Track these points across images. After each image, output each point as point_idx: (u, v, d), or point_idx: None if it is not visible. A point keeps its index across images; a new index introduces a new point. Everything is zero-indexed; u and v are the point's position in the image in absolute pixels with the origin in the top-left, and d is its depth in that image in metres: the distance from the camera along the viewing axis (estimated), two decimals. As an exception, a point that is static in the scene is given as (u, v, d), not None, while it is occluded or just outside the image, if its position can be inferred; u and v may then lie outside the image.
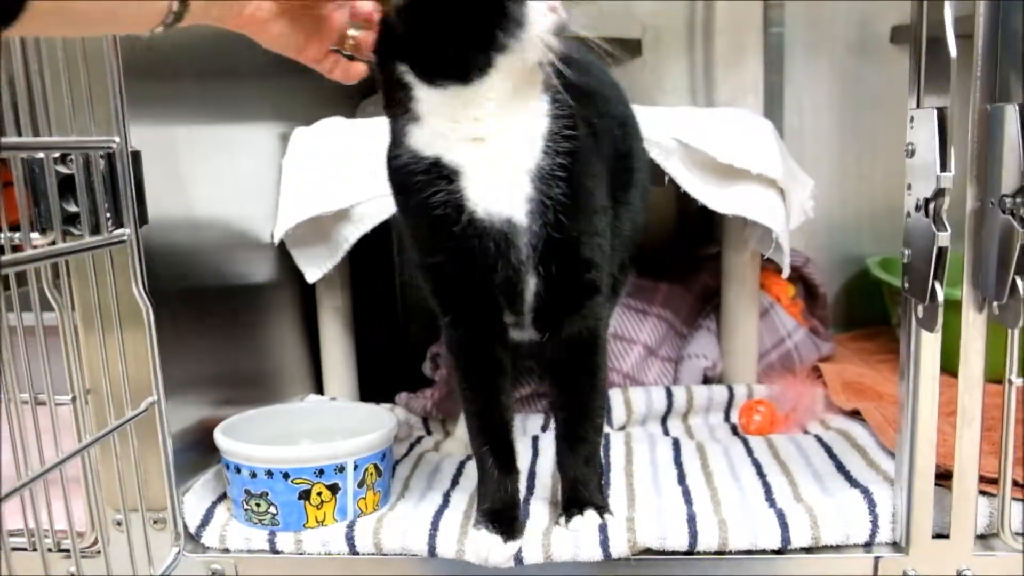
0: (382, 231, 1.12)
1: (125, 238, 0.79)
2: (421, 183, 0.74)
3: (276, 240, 1.13)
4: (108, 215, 0.79)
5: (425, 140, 0.74)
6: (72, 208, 0.77)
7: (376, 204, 1.08)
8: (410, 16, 0.69)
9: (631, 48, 1.56)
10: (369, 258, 1.22)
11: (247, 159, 1.11)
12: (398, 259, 1.69)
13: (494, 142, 0.72)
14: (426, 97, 0.72)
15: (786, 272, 1.10)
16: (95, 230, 0.78)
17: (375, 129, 1.14)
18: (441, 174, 0.73)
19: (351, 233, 1.11)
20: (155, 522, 0.86)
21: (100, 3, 0.55)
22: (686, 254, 1.41)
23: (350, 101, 1.53)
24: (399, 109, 0.75)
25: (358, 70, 0.74)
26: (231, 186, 1.07)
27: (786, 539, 0.77)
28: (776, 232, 1.05)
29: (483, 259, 0.74)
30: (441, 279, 0.78)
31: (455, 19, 0.68)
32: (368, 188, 1.09)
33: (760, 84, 1.51)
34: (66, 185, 0.76)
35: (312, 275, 1.15)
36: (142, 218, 0.82)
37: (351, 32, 0.73)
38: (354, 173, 1.10)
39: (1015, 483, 0.77)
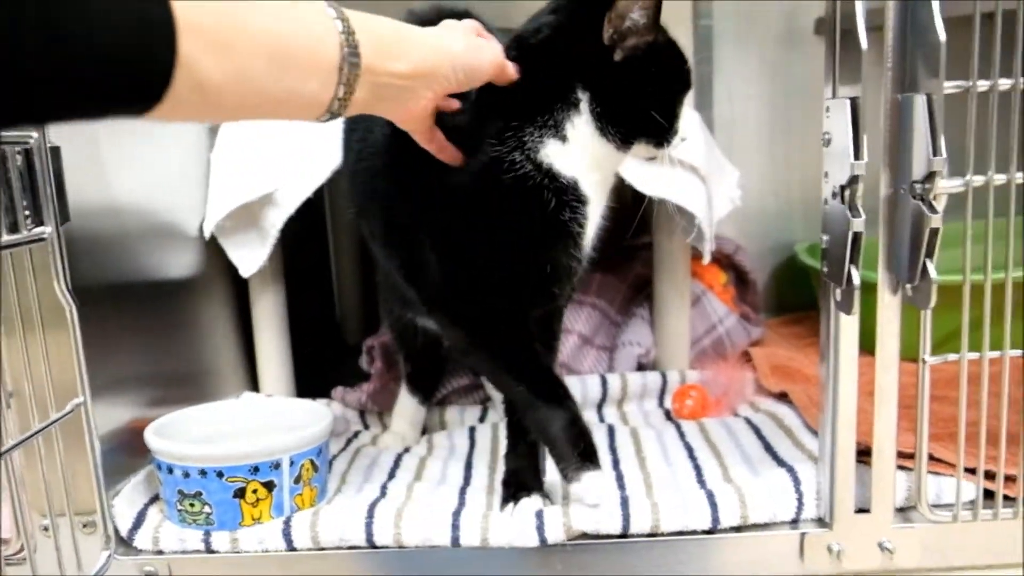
0: (319, 225, 1.12)
1: (45, 236, 0.78)
2: (550, 196, 0.77)
3: (207, 234, 1.11)
4: (27, 212, 0.77)
5: (567, 162, 0.77)
6: (-12, 206, 0.75)
7: (297, 184, 1.07)
8: (654, 68, 0.76)
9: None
10: (304, 253, 1.21)
11: (173, 150, 1.09)
12: (334, 254, 1.68)
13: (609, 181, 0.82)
14: (586, 130, 0.76)
15: (707, 259, 1.13)
16: (13, 228, 0.76)
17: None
18: (575, 196, 0.78)
19: (277, 218, 1.09)
20: (84, 526, 0.85)
21: (255, 100, 0.53)
22: (619, 244, 1.43)
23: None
24: (544, 118, 0.76)
25: (457, 157, 0.76)
26: (157, 179, 1.05)
27: (716, 519, 0.80)
28: (698, 218, 1.07)
29: (576, 257, 0.81)
30: (524, 265, 0.80)
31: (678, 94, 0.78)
32: (288, 169, 1.08)
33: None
34: (-20, 182, 0.74)
35: (246, 269, 1.13)
36: (63, 215, 0.80)
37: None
38: (276, 154, 1.09)
39: (931, 457, 0.80)
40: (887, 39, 0.71)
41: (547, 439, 0.82)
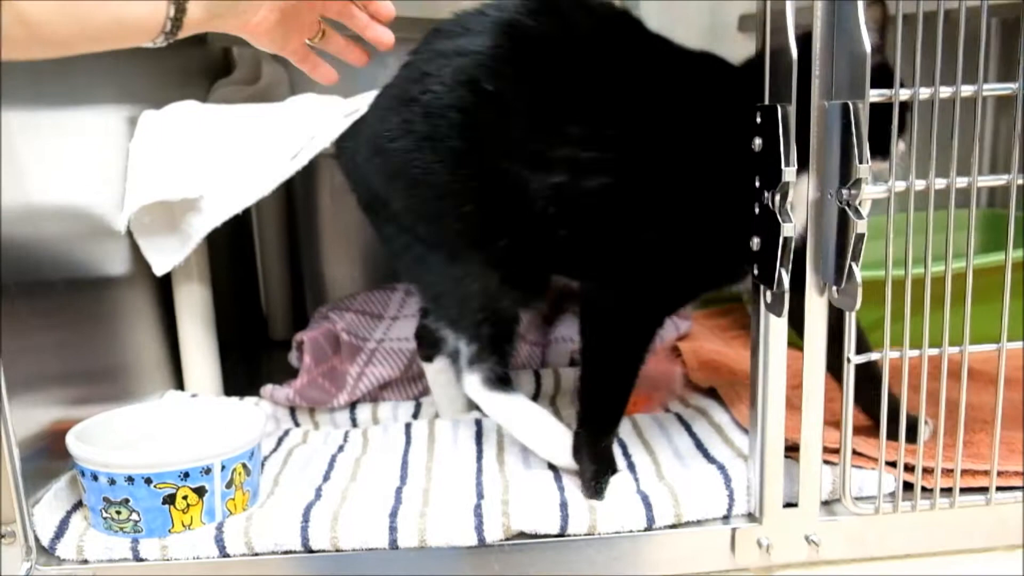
0: (243, 217, 1.09)
1: (-40, 237, 0.74)
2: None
3: (123, 227, 1.07)
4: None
5: None
6: None
7: (228, 196, 1.05)
8: None
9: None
10: (228, 248, 1.18)
11: (93, 144, 1.05)
12: (259, 247, 1.65)
13: None
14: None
15: None
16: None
17: (228, 114, 1.11)
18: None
19: (201, 225, 1.06)
20: (3, 536, 0.82)
21: (80, 27, 0.53)
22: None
23: (202, 83, 1.47)
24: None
25: (334, 76, 0.77)
26: (76, 174, 1.01)
27: (651, 519, 0.81)
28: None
29: None
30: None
31: None
32: (219, 178, 1.05)
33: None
34: None
35: (160, 267, 1.10)
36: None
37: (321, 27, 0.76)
38: (205, 161, 1.06)
39: (854, 452, 0.83)
40: (815, 47, 0.73)
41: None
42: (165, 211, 1.07)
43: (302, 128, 1.07)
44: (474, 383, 0.95)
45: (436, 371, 1.11)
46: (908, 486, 0.83)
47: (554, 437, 0.92)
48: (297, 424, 1.18)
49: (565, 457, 0.90)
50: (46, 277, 0.94)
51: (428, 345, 1.10)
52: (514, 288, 0.91)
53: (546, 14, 0.84)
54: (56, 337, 0.95)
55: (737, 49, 1.52)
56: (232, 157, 1.06)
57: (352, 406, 1.18)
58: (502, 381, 0.95)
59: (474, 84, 0.83)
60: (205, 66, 1.54)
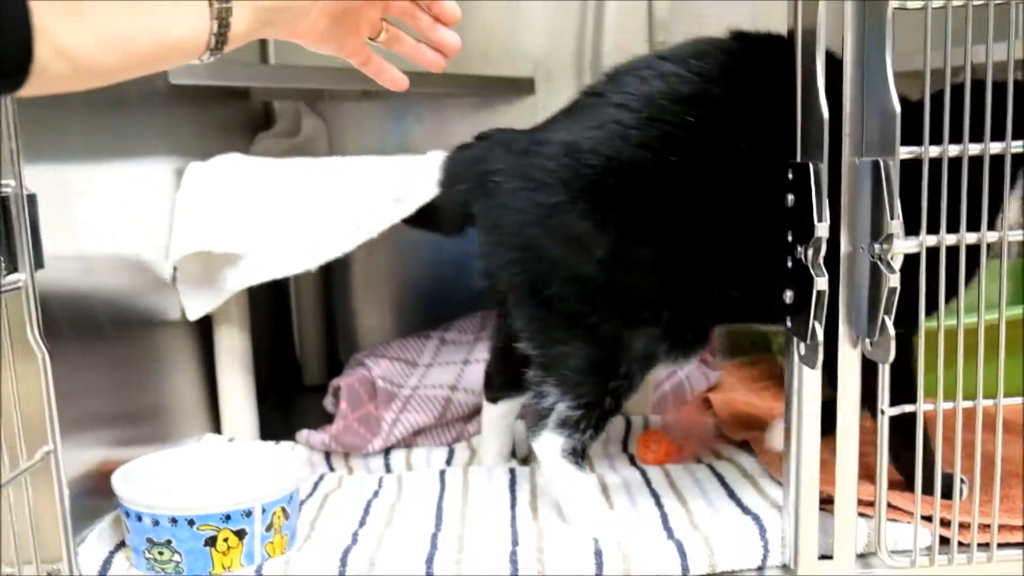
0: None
1: (20, 285, 0.77)
2: None
3: (168, 275, 1.11)
4: (1, 259, 0.76)
5: None
6: (-39, 252, 0.75)
7: (268, 259, 1.10)
8: None
9: (524, 87, 1.61)
10: (264, 293, 1.21)
11: (142, 196, 1.10)
12: (294, 293, 1.68)
13: None
14: None
15: None
16: (-11, 276, 0.75)
17: (273, 168, 1.15)
18: None
19: (236, 282, 1.11)
20: (49, 575, 0.83)
21: (122, 55, 0.53)
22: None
23: (244, 135, 1.52)
24: None
25: (402, 81, 0.72)
26: (126, 224, 1.05)
27: (685, 567, 0.82)
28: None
29: None
30: None
31: None
32: (262, 238, 1.10)
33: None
34: (-46, 227, 0.74)
35: (193, 313, 1.14)
36: (38, 262, 0.79)
37: (385, 27, 0.72)
38: (249, 217, 1.10)
39: (889, 505, 0.83)
40: (846, 106, 0.75)
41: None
42: (203, 260, 1.11)
43: (348, 209, 1.10)
44: (554, 446, 0.91)
45: (498, 415, 1.11)
46: (942, 540, 0.82)
47: (604, 524, 0.90)
48: (332, 469, 1.19)
49: (607, 538, 0.86)
50: (96, 322, 0.98)
51: (498, 387, 1.10)
52: (679, 347, 0.91)
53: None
54: (104, 379, 0.98)
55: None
56: (277, 218, 1.11)
57: (386, 452, 1.20)
58: (582, 455, 0.92)
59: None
60: (247, 119, 1.59)
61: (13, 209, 0.77)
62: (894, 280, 0.72)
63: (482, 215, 0.92)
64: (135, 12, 0.52)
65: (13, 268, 0.77)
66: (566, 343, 0.90)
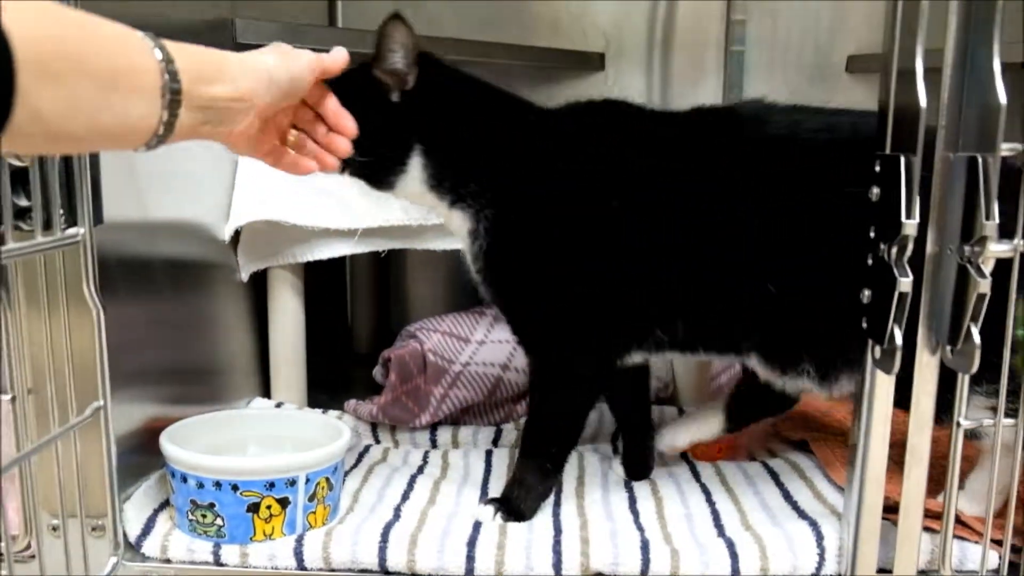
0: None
1: (79, 238, 0.77)
2: None
3: (228, 236, 1.11)
4: (61, 211, 0.76)
5: None
6: (23, 202, 0.74)
7: (336, 239, 1.15)
8: None
9: (593, 62, 1.57)
10: (320, 261, 1.20)
11: (203, 154, 1.09)
12: (350, 263, 1.67)
13: None
14: None
15: None
16: (47, 226, 0.75)
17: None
18: None
19: (298, 254, 1.15)
20: (93, 529, 0.84)
21: (87, 125, 0.55)
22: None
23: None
24: None
25: (307, 166, 0.80)
26: (186, 184, 1.05)
27: (736, 568, 0.78)
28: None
29: None
30: None
31: None
32: (328, 214, 1.11)
33: (719, 102, 1.52)
34: (18, 178, 0.73)
35: (245, 274, 1.17)
36: (97, 217, 0.79)
37: (292, 132, 0.80)
38: (321, 195, 1.11)
39: (957, 522, 0.79)
40: (943, 96, 0.70)
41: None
42: (269, 226, 1.11)
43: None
44: None
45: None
46: (1012, 566, 0.78)
47: None
48: (378, 440, 1.18)
49: None
50: (154, 281, 0.98)
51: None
52: None
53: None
54: (157, 338, 0.98)
55: (844, 91, 1.50)
56: (339, 192, 1.11)
57: (433, 427, 1.18)
58: None
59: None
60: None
61: (75, 160, 0.76)
62: (984, 286, 0.67)
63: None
64: (104, 88, 0.54)
65: (73, 222, 0.77)
66: None
